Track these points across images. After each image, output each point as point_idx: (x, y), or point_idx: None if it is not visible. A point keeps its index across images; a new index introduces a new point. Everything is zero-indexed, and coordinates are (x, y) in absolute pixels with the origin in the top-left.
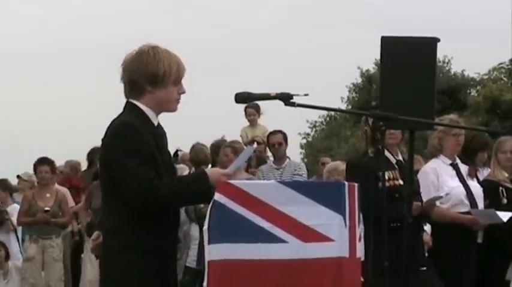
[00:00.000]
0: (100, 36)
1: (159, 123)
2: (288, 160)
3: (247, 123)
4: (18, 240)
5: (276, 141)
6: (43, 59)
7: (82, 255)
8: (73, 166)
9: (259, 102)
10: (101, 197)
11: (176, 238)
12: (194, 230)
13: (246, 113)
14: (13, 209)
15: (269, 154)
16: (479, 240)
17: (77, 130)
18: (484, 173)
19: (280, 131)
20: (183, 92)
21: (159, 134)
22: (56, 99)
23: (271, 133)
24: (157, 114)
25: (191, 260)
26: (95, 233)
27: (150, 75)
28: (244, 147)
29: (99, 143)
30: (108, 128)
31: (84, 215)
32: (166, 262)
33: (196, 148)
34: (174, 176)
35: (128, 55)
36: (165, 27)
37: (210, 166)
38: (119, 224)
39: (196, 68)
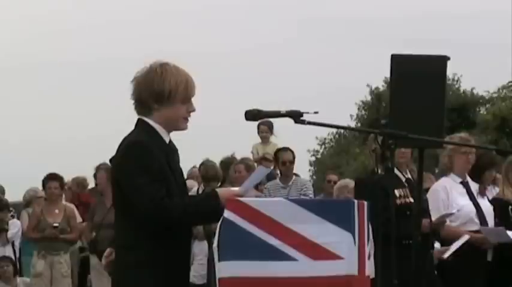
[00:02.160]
0: (111, 50)
1: (170, 140)
2: (294, 177)
3: (259, 140)
4: (14, 254)
5: (287, 160)
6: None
7: (89, 275)
8: (80, 182)
9: (274, 121)
10: (114, 214)
11: (189, 252)
12: (196, 247)
13: (258, 130)
14: (11, 225)
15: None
16: (489, 258)
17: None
18: (492, 191)
19: (289, 149)
20: (193, 110)
21: (171, 151)
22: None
23: (280, 149)
24: (168, 131)
25: (192, 276)
26: (108, 250)
27: (156, 94)
28: (255, 164)
29: (102, 160)
30: (120, 146)
31: (87, 232)
32: (178, 277)
33: (207, 165)
34: (185, 193)
35: (138, 72)
36: (176, 42)
37: (219, 183)
38: (130, 240)
39: (206, 84)
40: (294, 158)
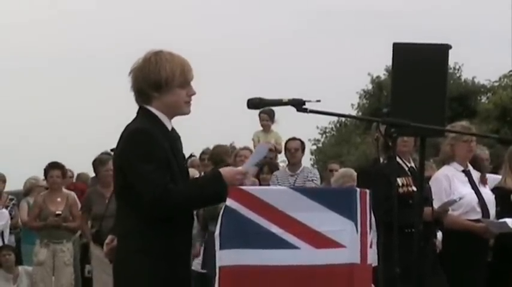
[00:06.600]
0: (109, 41)
1: (173, 128)
2: (302, 166)
3: (260, 128)
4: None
5: (293, 147)
6: (48, 63)
7: (87, 266)
8: (83, 180)
9: (275, 110)
10: (115, 202)
11: (190, 240)
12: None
13: (259, 118)
14: None
15: (280, 160)
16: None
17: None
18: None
19: (299, 139)
20: (193, 94)
21: (173, 138)
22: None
23: (290, 139)
24: (170, 118)
25: (195, 263)
26: (109, 237)
27: (154, 83)
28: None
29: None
30: (123, 133)
31: (84, 223)
32: (179, 266)
33: (219, 146)
34: (187, 179)
35: (134, 64)
36: (179, 32)
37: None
38: (132, 228)
39: (208, 73)
40: (302, 147)
